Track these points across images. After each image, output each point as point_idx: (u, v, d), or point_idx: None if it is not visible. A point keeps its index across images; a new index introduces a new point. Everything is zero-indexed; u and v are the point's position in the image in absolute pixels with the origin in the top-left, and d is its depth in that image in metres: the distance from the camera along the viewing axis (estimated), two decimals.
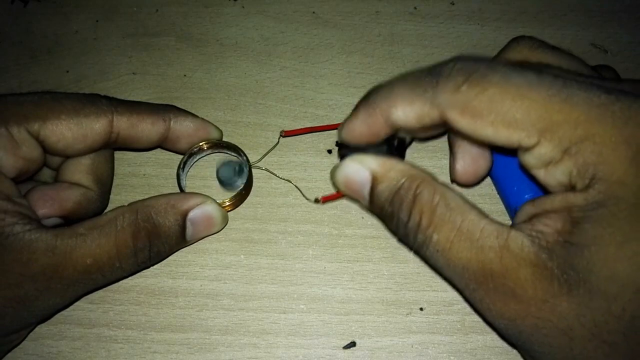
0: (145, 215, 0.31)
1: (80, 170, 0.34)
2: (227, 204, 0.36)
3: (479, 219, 0.27)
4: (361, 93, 0.39)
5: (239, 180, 0.36)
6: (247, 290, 0.35)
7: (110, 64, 0.42)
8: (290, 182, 0.37)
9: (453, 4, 0.43)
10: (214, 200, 0.34)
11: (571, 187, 0.26)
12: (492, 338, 0.33)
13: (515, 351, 0.33)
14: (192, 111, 0.36)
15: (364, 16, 0.43)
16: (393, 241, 0.36)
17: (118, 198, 0.37)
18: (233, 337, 0.34)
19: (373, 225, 0.36)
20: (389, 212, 0.29)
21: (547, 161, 0.26)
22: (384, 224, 0.31)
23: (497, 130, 0.26)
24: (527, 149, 0.27)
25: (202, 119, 0.36)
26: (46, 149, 0.32)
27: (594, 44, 0.41)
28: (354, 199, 0.32)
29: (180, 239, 0.33)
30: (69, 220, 0.33)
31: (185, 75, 0.41)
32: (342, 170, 0.31)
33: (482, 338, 0.33)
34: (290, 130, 0.38)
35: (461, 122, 0.27)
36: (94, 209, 0.34)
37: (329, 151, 0.38)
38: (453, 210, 0.28)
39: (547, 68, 0.28)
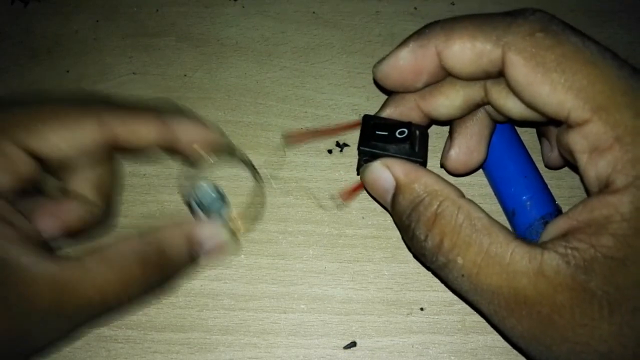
0: (156, 248, 0.30)
1: (84, 184, 0.32)
2: (242, 226, 0.35)
3: (507, 240, 0.25)
4: (362, 93, 0.40)
5: (220, 205, 0.34)
6: (247, 290, 0.35)
7: (111, 64, 0.42)
8: (311, 195, 0.37)
9: (453, 4, 0.43)
10: (227, 229, 0.33)
11: (608, 184, 0.24)
12: (493, 338, 0.33)
13: (515, 351, 0.33)
14: (194, 111, 0.35)
15: (364, 16, 0.43)
16: (393, 241, 0.36)
17: (118, 198, 0.37)
18: (233, 337, 0.34)
19: (374, 225, 0.36)
20: (406, 224, 0.28)
21: (594, 144, 0.25)
22: (401, 233, 0.31)
23: (554, 91, 0.25)
24: (574, 125, 0.25)
25: (208, 125, 0.34)
26: (40, 161, 0.30)
27: None
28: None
29: (190, 267, 0.32)
30: (73, 236, 0.32)
31: (185, 75, 0.41)
32: (370, 173, 0.30)
33: (483, 338, 0.33)
34: (294, 137, 0.37)
35: (521, 69, 0.26)
36: (99, 224, 0.33)
37: (329, 151, 0.38)
38: (479, 231, 0.26)
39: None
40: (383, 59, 0.30)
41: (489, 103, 0.30)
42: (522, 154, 0.35)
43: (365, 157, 0.32)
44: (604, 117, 0.24)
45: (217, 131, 0.34)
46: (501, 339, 0.33)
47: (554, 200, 0.34)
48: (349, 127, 0.37)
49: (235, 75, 0.41)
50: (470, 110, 0.32)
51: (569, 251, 0.24)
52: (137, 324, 0.34)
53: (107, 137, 0.31)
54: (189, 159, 0.35)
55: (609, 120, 0.24)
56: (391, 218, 0.36)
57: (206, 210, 0.34)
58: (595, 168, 0.25)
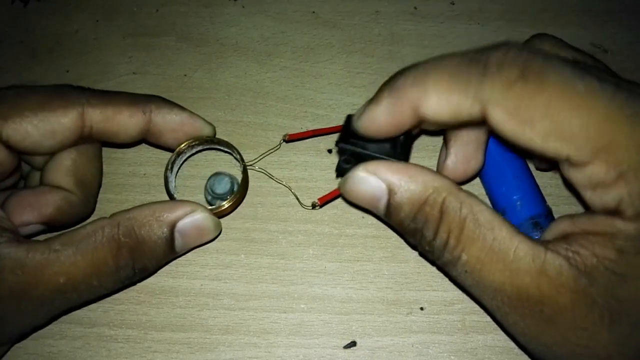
0: (126, 229, 0.29)
1: (61, 172, 0.31)
2: (225, 207, 0.34)
3: (511, 236, 0.25)
4: (361, 93, 0.40)
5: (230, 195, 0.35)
6: (247, 289, 0.35)
7: (111, 64, 0.42)
8: (288, 187, 0.36)
9: (453, 4, 0.43)
10: (205, 208, 0.32)
11: (617, 212, 0.24)
12: (493, 337, 0.33)
13: (516, 350, 0.33)
14: (192, 111, 0.35)
15: (364, 16, 0.43)
16: (393, 241, 0.36)
17: (118, 197, 0.37)
18: (233, 336, 0.34)
19: (373, 225, 0.36)
20: (411, 228, 0.27)
21: (597, 182, 0.24)
22: (402, 236, 0.30)
23: (547, 141, 0.23)
24: (576, 166, 0.24)
25: (190, 112, 0.34)
26: (13, 149, 0.30)
27: (593, 43, 0.41)
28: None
29: (168, 251, 0.31)
30: (52, 226, 0.31)
31: (185, 75, 0.41)
32: (353, 183, 0.28)
33: (483, 337, 0.33)
34: (295, 134, 0.37)
35: (506, 126, 0.24)
36: (78, 213, 0.32)
37: (329, 151, 0.38)
38: (482, 226, 0.25)
39: (597, 70, 0.25)
40: (360, 113, 0.28)
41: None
42: (515, 155, 0.35)
43: (345, 156, 0.31)
44: (605, 158, 0.23)
45: (200, 120, 0.34)
46: (501, 338, 0.33)
47: (544, 201, 0.34)
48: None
49: (235, 75, 0.41)
50: (470, 125, 0.30)
51: (570, 254, 0.24)
52: (137, 323, 0.34)
53: (85, 127, 0.31)
54: (170, 148, 0.34)
55: (609, 160, 0.23)
56: None
57: (217, 197, 0.35)
58: (601, 201, 0.24)
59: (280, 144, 0.38)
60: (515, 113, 0.24)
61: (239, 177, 0.36)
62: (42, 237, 0.32)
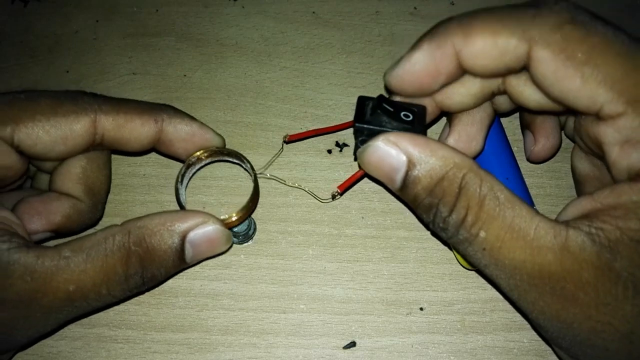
0: (137, 238, 0.28)
1: (70, 180, 0.31)
2: (234, 218, 0.33)
3: (531, 215, 0.25)
4: (361, 92, 0.40)
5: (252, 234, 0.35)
6: (247, 290, 0.35)
7: (111, 64, 0.42)
8: (301, 187, 0.36)
9: (453, 4, 0.43)
10: (217, 219, 0.31)
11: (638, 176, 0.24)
12: (492, 338, 0.33)
13: (515, 351, 0.33)
14: (192, 111, 0.35)
15: (364, 16, 0.43)
16: (393, 241, 0.36)
17: (118, 198, 0.37)
18: (233, 337, 0.34)
19: (373, 225, 0.36)
20: (427, 202, 0.26)
21: (627, 137, 0.24)
22: (415, 211, 0.29)
23: (585, 85, 0.24)
24: (606, 118, 0.24)
25: (200, 123, 0.34)
26: (24, 154, 0.30)
27: None
28: (378, 180, 0.29)
29: (178, 262, 0.30)
30: (60, 233, 0.31)
31: (185, 75, 0.41)
32: (373, 152, 0.27)
33: (482, 338, 0.33)
34: (295, 135, 0.36)
35: (549, 65, 0.24)
36: (86, 221, 0.32)
37: (329, 151, 0.38)
38: (503, 204, 0.25)
39: None
40: (395, 64, 0.28)
41: (504, 92, 0.29)
42: (508, 155, 0.35)
43: (362, 137, 0.30)
44: (638, 109, 0.23)
45: (210, 131, 0.34)
46: (500, 338, 0.33)
47: (532, 204, 0.34)
48: (346, 125, 0.36)
49: (235, 75, 0.41)
50: (485, 99, 0.30)
51: (594, 230, 0.24)
52: (137, 324, 0.34)
53: (95, 134, 0.31)
54: (179, 157, 0.34)
55: None
56: (390, 217, 0.36)
57: (237, 234, 0.35)
58: (628, 159, 0.24)
59: (282, 145, 0.38)
60: (561, 53, 0.24)
61: (250, 186, 0.35)
62: (50, 243, 0.32)
